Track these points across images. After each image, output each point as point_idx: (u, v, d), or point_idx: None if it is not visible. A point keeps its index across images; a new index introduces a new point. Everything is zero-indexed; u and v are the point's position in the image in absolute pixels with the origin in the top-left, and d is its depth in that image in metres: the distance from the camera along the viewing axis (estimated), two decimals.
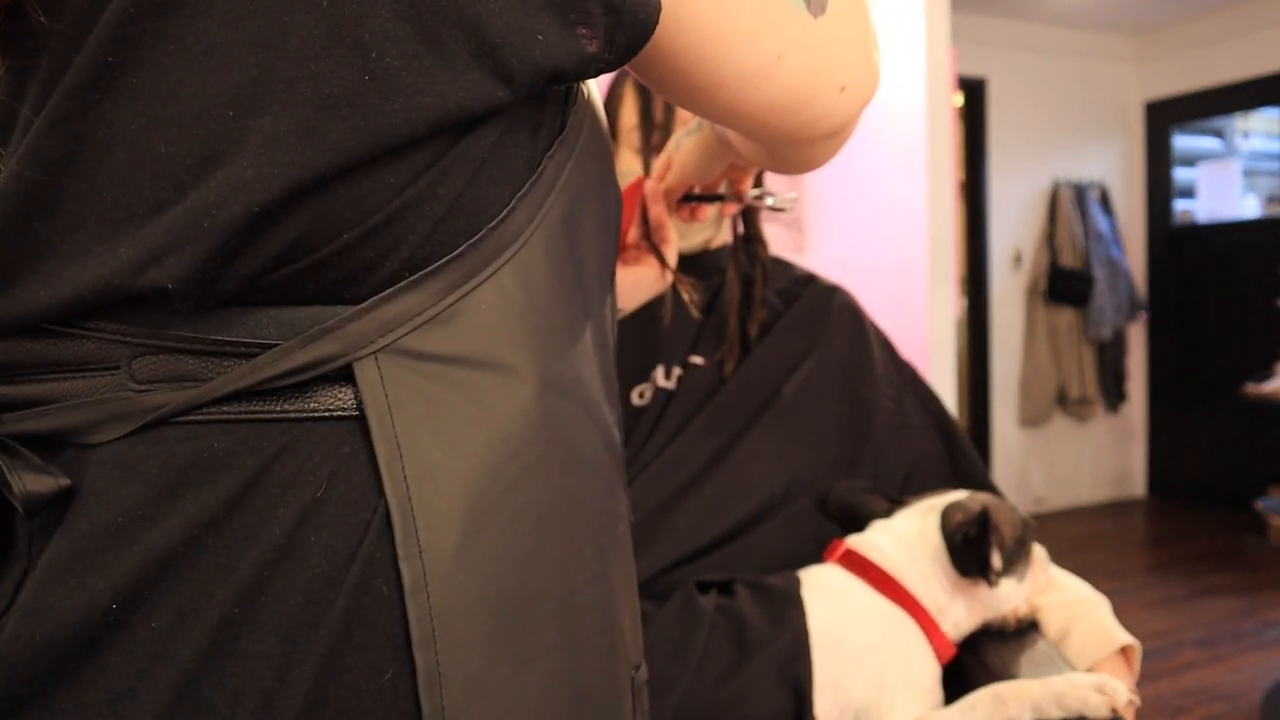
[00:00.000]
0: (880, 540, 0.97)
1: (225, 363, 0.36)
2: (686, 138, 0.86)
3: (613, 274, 0.51)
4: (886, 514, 1.02)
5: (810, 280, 1.19)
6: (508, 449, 0.39)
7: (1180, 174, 4.86)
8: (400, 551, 0.36)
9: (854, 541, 0.99)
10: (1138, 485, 4.95)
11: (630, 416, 1.09)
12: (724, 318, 1.11)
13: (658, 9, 0.41)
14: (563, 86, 0.43)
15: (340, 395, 0.37)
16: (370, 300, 0.37)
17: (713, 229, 1.13)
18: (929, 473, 1.12)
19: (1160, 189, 4.80)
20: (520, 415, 0.39)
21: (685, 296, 1.02)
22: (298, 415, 0.36)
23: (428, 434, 0.37)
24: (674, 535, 1.00)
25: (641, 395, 1.10)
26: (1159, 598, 3.39)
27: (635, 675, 0.47)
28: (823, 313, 1.15)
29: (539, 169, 0.41)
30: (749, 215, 1.12)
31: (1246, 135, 5.11)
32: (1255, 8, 4.26)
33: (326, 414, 0.36)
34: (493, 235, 0.39)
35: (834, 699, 0.87)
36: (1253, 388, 3.57)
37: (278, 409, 0.36)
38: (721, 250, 1.14)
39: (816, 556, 1.01)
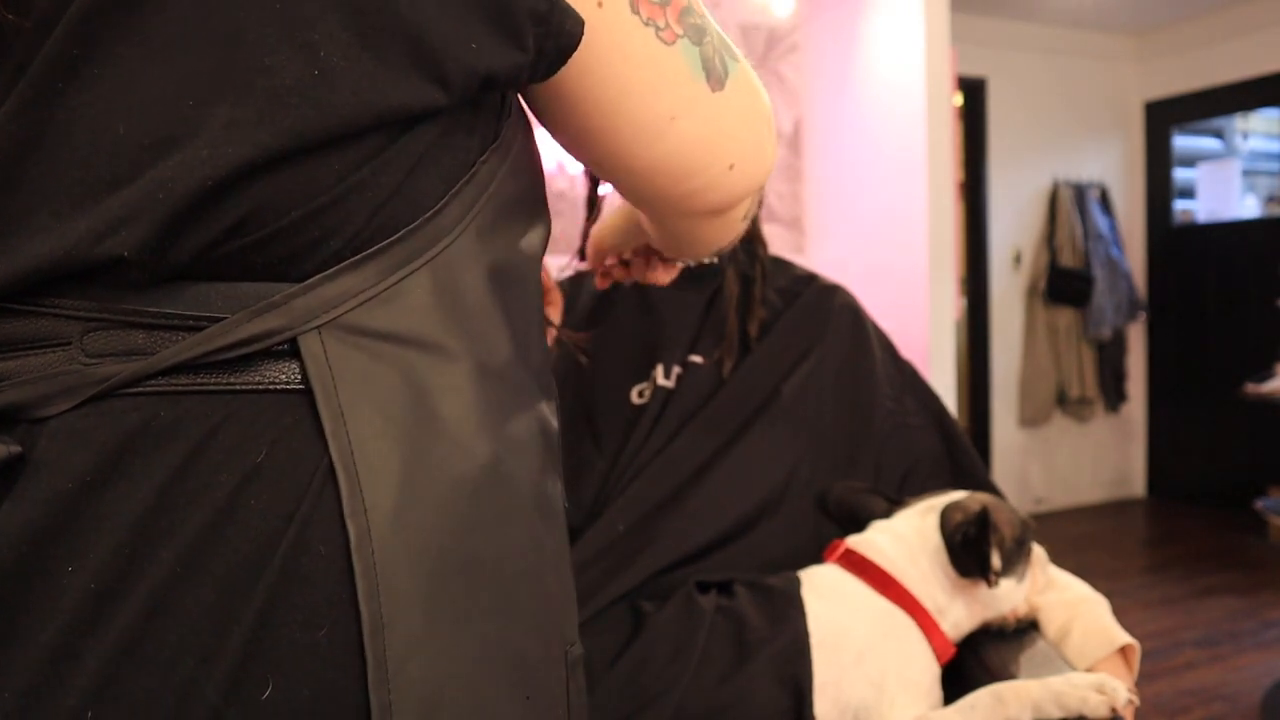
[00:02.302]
0: (880, 540, 0.97)
1: (174, 335, 0.38)
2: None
3: (540, 280, 0.53)
4: (886, 514, 1.02)
5: (810, 279, 1.19)
6: (441, 421, 0.41)
7: (1180, 174, 4.86)
8: (346, 508, 0.38)
9: (853, 541, 0.99)
10: (1137, 485, 4.95)
11: (630, 415, 1.09)
12: (724, 317, 1.11)
13: (581, 25, 0.44)
14: (498, 98, 0.47)
15: (284, 369, 0.39)
16: (314, 278, 0.39)
17: None
18: (929, 472, 1.12)
19: (1160, 189, 4.80)
20: (454, 392, 0.42)
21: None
22: (243, 387, 0.38)
23: (368, 403, 0.39)
24: (674, 535, 1.00)
25: (641, 394, 1.10)
26: (1159, 598, 3.39)
27: (569, 651, 0.49)
28: (823, 312, 1.15)
29: (473, 170, 0.45)
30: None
31: (1246, 136, 5.11)
32: (1255, 8, 4.26)
33: (270, 386, 0.38)
34: (429, 224, 0.42)
35: (833, 698, 0.87)
36: (1253, 388, 3.57)
37: (224, 381, 0.38)
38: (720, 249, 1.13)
39: (816, 557, 1.01)
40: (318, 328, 0.39)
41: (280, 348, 0.39)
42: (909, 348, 1.29)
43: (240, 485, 0.37)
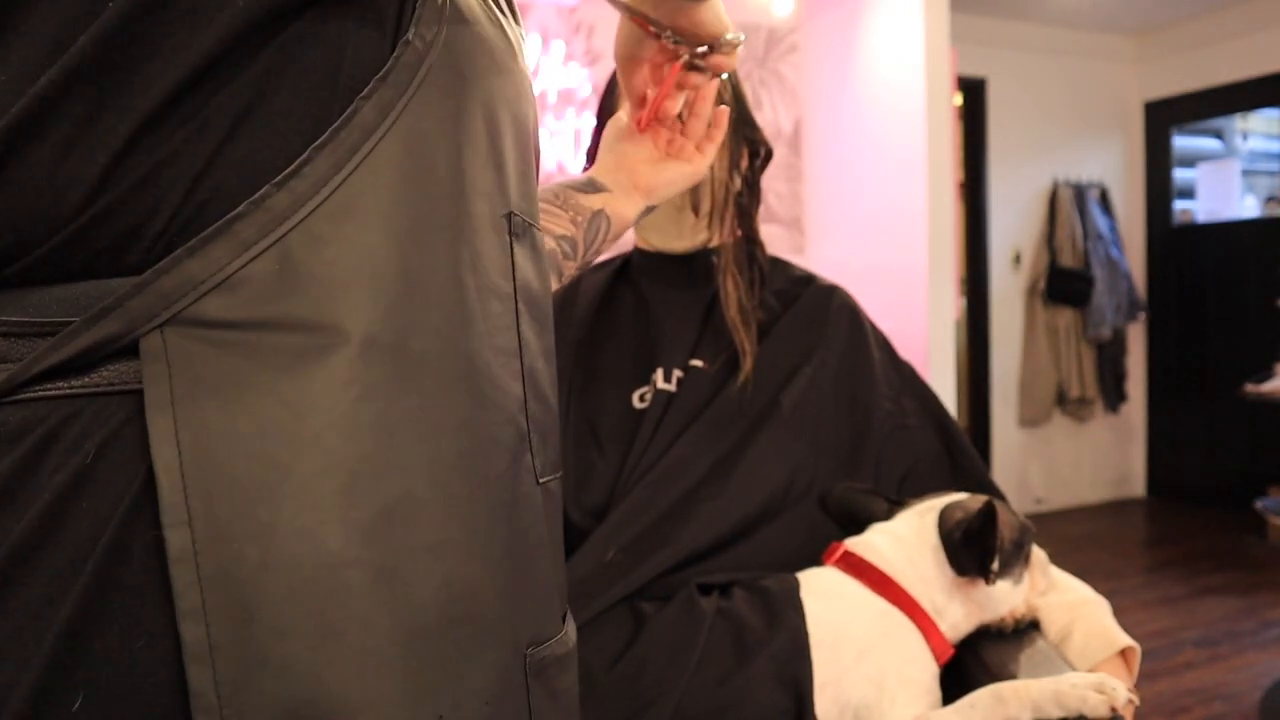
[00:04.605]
0: (878, 542, 0.97)
1: (29, 343, 0.36)
2: None
3: (519, 208, 0.48)
4: (886, 515, 1.02)
5: (808, 280, 1.19)
6: (303, 407, 0.37)
7: (1180, 174, 4.86)
8: (165, 519, 0.34)
9: (852, 543, 0.99)
10: (1137, 485, 4.95)
11: (632, 419, 1.09)
12: (723, 321, 1.11)
13: None
14: (389, 22, 0.41)
15: (125, 369, 0.36)
16: (149, 272, 0.36)
17: (710, 231, 1.13)
18: (928, 473, 1.12)
19: (1160, 189, 4.80)
20: (321, 373, 0.37)
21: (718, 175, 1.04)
22: (83, 390, 0.36)
23: (210, 399, 0.35)
24: (677, 541, 1.00)
25: (642, 398, 1.10)
26: (1159, 598, 3.39)
27: (531, 653, 0.44)
28: (821, 313, 1.15)
29: (347, 112, 0.38)
30: (746, 218, 1.12)
31: (1245, 136, 5.11)
32: (1255, 8, 4.26)
33: (109, 388, 0.36)
34: (283, 191, 0.37)
35: (834, 697, 0.87)
36: (1252, 388, 3.57)
37: (67, 385, 0.36)
38: (719, 251, 1.13)
39: (817, 559, 1.01)
40: (159, 326, 0.35)
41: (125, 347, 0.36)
42: (909, 348, 1.29)
43: (71, 487, 0.35)
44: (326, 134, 0.38)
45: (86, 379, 0.36)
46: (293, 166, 0.37)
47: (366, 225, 0.39)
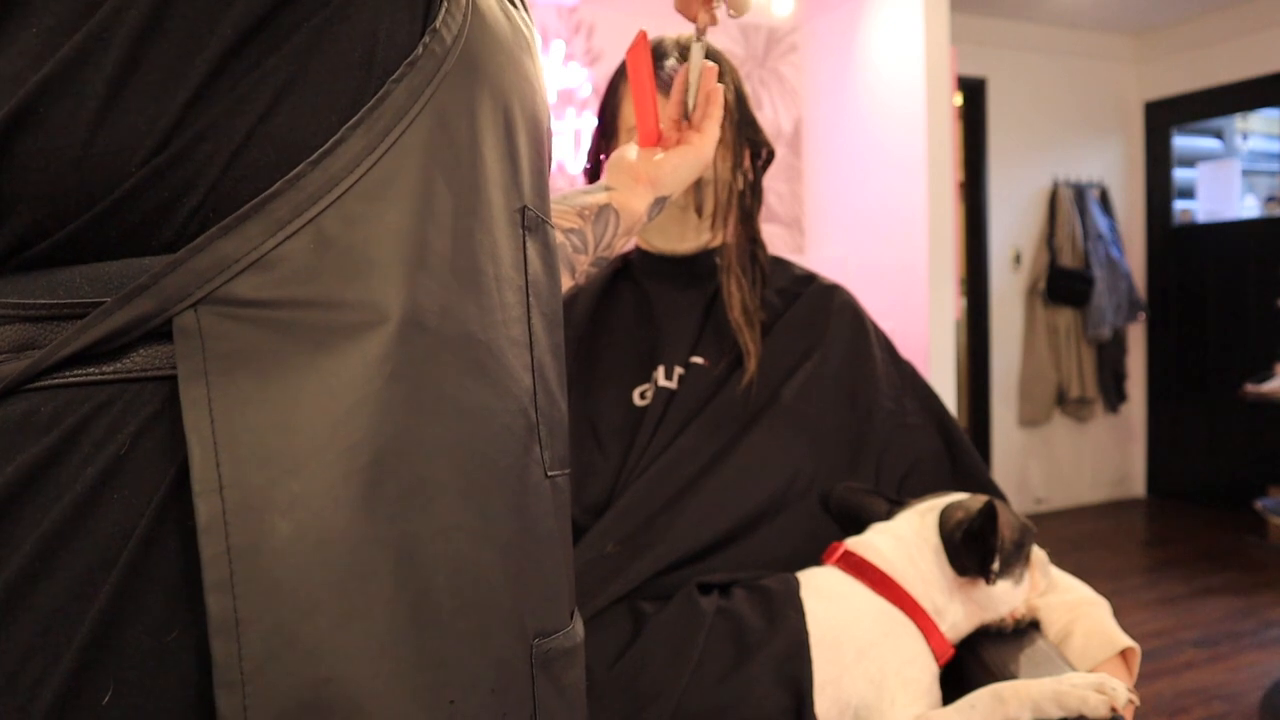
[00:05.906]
0: (879, 541, 0.97)
1: (57, 326, 0.35)
2: None
3: (533, 203, 0.48)
4: (887, 515, 1.02)
5: (810, 279, 1.19)
6: (338, 382, 0.36)
7: (1180, 174, 4.86)
8: (196, 487, 0.34)
9: (852, 543, 0.99)
10: (1137, 485, 4.95)
11: (633, 416, 1.09)
12: (724, 319, 1.11)
13: None
14: (419, 8, 0.41)
15: (156, 354, 0.36)
16: (183, 250, 0.35)
17: (713, 232, 1.13)
18: (929, 472, 1.12)
19: (1160, 189, 4.80)
20: (356, 351, 0.37)
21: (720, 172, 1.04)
22: (114, 377, 0.35)
23: (245, 372, 0.35)
24: (675, 536, 1.00)
25: (643, 395, 1.10)
26: (1159, 598, 3.39)
27: (537, 645, 0.44)
28: (822, 312, 1.15)
29: (379, 93, 0.39)
30: (748, 219, 1.12)
31: (1245, 136, 5.12)
32: (1255, 8, 4.26)
33: (140, 374, 0.35)
34: (318, 169, 0.37)
35: (833, 697, 0.87)
36: (1252, 388, 3.57)
37: (97, 371, 0.35)
38: (720, 251, 1.14)
39: (817, 558, 1.01)
40: (193, 305, 0.35)
41: (157, 329, 0.36)
42: (909, 348, 1.29)
43: (103, 478, 0.34)
44: (360, 113, 0.38)
45: (118, 364, 0.35)
46: (327, 145, 0.37)
47: (397, 206, 0.39)
